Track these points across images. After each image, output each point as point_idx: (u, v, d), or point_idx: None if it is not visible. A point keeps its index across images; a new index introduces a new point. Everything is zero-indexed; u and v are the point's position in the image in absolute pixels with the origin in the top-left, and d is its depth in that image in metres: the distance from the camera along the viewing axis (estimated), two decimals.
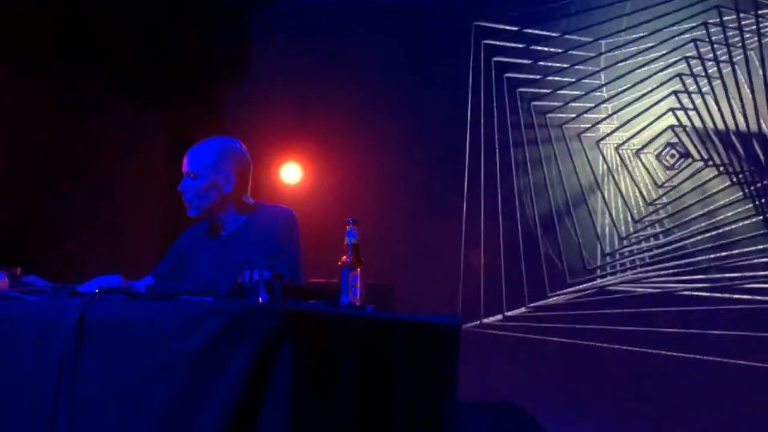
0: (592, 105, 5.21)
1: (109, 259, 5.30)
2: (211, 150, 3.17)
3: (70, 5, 5.32)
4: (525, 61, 5.30)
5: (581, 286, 5.05)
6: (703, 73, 4.90)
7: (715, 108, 4.84)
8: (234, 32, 6.25)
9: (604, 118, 5.19)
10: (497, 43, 5.36)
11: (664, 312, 4.81)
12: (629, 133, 5.17)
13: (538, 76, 5.29)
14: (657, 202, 5.07)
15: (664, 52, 5.02)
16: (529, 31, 5.27)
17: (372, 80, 5.68)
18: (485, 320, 5.10)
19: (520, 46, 5.27)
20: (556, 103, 5.26)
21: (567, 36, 5.23)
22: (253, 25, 6.26)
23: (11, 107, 5.23)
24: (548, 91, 5.28)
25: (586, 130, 5.17)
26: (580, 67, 5.21)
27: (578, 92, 5.23)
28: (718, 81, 4.83)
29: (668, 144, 5.09)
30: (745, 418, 4.54)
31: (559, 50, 5.19)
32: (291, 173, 6.07)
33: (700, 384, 4.62)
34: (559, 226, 5.19)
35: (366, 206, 5.15)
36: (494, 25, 5.33)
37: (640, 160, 5.15)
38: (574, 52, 5.21)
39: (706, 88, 4.92)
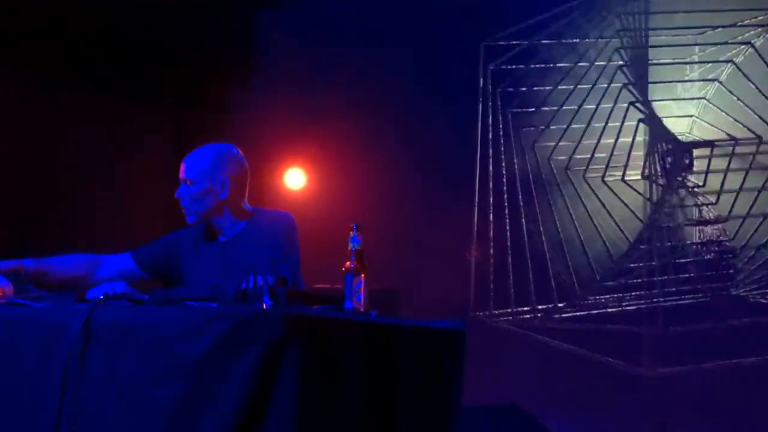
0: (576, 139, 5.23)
1: None
2: (207, 156, 3.16)
3: (73, 5, 5.33)
4: (525, 88, 5.33)
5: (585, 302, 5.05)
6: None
7: None
8: (239, 36, 6.25)
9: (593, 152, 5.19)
10: (502, 58, 5.39)
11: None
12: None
13: (536, 108, 5.31)
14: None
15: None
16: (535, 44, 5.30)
17: (377, 86, 5.68)
18: (490, 325, 5.10)
19: (520, 66, 5.30)
20: (550, 143, 5.28)
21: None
22: (259, 29, 6.26)
23: (13, 109, 5.24)
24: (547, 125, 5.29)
25: (588, 169, 5.18)
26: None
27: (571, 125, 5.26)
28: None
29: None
30: (750, 418, 4.53)
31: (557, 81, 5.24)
32: (295, 179, 6.07)
33: (705, 386, 4.61)
34: (566, 239, 5.19)
35: (370, 212, 5.14)
36: (502, 42, 5.36)
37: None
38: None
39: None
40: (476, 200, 5.26)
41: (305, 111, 5.81)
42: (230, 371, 2.06)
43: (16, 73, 5.29)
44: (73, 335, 2.21)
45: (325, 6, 5.96)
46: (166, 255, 3.24)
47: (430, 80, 5.58)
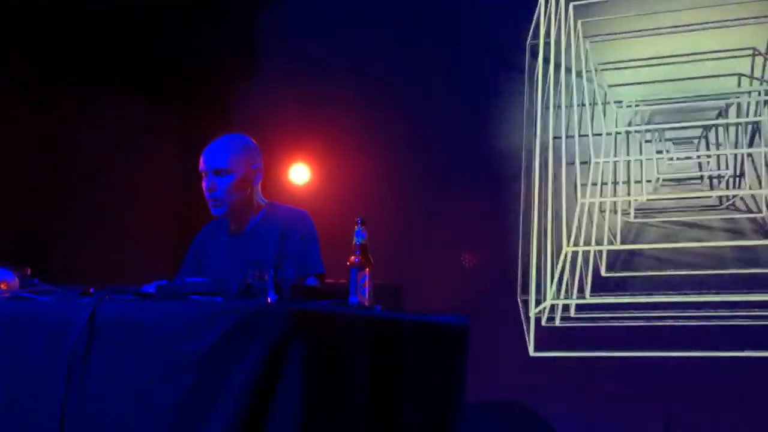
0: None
1: (118, 261, 5.31)
2: (238, 144, 3.15)
3: (75, 3, 5.32)
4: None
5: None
6: None
7: None
8: (243, 31, 6.24)
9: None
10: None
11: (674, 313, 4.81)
12: None
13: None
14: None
15: None
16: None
17: (381, 80, 5.67)
18: (493, 321, 5.09)
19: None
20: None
21: None
22: (262, 24, 6.26)
23: (17, 108, 5.24)
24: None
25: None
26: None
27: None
28: None
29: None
30: (757, 417, 4.52)
31: None
32: (299, 174, 6.07)
33: (710, 383, 4.60)
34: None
35: (374, 207, 5.14)
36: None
37: None
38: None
39: None
40: (522, 189, 5.28)
41: (309, 105, 5.80)
42: (235, 366, 2.06)
43: (18, 71, 5.30)
44: (77, 330, 2.21)
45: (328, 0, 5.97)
46: (198, 262, 3.25)
47: (434, 75, 5.57)
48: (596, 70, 5.13)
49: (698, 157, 4.92)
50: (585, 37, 5.20)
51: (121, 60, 5.64)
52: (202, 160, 3.12)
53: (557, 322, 5.02)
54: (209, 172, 3.09)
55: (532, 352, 4.98)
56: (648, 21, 5.04)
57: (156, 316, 2.20)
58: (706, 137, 4.95)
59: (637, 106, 5.04)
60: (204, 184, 3.11)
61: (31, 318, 2.36)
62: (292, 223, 3.13)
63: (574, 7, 5.22)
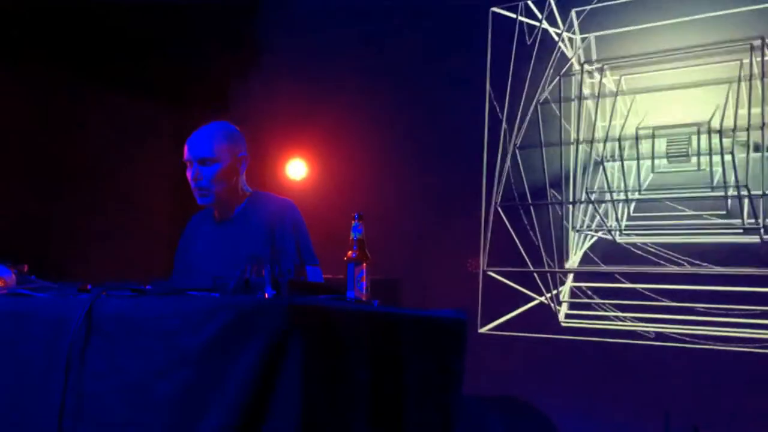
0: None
1: (116, 259, 5.32)
2: (223, 133, 3.12)
3: (78, 4, 5.33)
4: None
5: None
6: None
7: None
8: (241, 27, 6.25)
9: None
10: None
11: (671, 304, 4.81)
12: None
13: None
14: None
15: None
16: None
17: (379, 76, 5.68)
18: (491, 316, 5.10)
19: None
20: None
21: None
22: (261, 20, 6.27)
23: (17, 108, 5.25)
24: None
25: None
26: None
27: None
28: None
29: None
30: (758, 413, 4.52)
31: None
32: (297, 169, 6.07)
33: (710, 379, 4.60)
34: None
35: (371, 202, 5.15)
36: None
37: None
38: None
39: None
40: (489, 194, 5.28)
41: (307, 101, 5.81)
42: (234, 362, 2.05)
43: (18, 71, 5.30)
44: (75, 328, 2.21)
45: None
46: (186, 254, 3.23)
47: (432, 71, 5.58)
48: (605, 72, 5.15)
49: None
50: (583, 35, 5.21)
51: (122, 60, 5.64)
52: (186, 149, 3.09)
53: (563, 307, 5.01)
54: (194, 162, 3.06)
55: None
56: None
57: (154, 312, 2.19)
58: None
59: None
60: (189, 174, 3.08)
61: (29, 314, 2.36)
62: (282, 214, 3.10)
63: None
